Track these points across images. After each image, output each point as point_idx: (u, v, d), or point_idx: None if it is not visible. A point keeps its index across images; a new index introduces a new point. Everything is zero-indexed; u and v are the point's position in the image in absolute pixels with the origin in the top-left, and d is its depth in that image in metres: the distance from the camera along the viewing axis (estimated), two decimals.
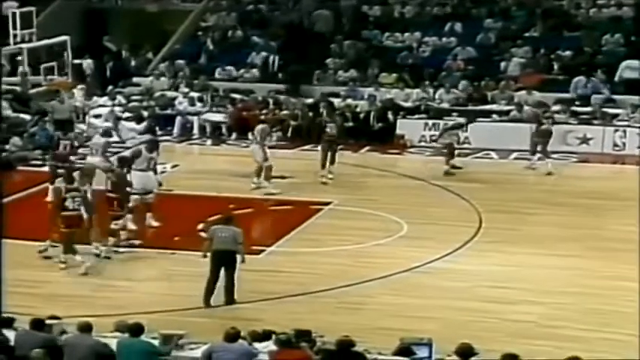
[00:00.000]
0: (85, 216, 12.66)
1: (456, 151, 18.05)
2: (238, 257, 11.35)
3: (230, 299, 11.30)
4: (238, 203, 15.51)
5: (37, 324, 8.97)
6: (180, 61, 23.52)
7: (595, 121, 20.21)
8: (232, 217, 11.65)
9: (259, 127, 16.21)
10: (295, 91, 22.06)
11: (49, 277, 12.43)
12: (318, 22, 24.28)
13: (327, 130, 17.27)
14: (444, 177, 17.15)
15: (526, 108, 20.23)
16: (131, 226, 13.49)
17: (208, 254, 11.50)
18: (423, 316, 11.05)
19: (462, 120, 18.68)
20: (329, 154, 16.98)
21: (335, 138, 17.28)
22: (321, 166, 16.94)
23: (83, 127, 20.27)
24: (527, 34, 23.34)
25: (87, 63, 23.57)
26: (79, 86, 21.90)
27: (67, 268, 12.65)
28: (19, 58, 20.96)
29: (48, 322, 9.11)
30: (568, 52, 22.49)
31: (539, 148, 18.04)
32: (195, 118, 21.02)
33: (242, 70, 23.47)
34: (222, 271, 11.33)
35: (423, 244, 13.67)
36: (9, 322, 9.10)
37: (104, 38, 24.51)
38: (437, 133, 19.97)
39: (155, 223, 14.07)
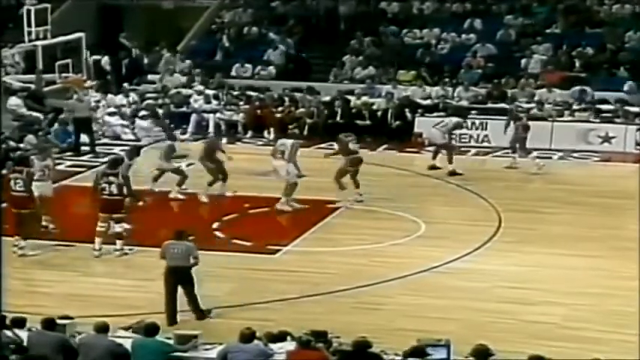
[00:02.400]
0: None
1: (454, 151, 18.02)
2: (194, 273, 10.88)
3: (199, 315, 10.80)
4: (254, 202, 15.57)
5: (49, 324, 9.04)
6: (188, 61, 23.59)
7: (617, 120, 20.13)
8: (183, 232, 11.10)
9: (290, 141, 15.92)
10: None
11: (64, 276, 12.51)
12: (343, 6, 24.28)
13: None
14: (461, 176, 17.09)
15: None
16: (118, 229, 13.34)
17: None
18: (441, 317, 11.06)
19: (459, 119, 18.52)
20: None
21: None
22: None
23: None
24: (548, 31, 23.26)
25: (102, 60, 23.68)
26: (93, 83, 22.04)
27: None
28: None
29: (60, 322, 9.17)
30: (590, 49, 22.40)
31: (517, 145, 17.86)
32: (210, 116, 21.09)
33: (258, 68, 23.51)
34: (180, 289, 10.87)
35: (441, 244, 13.66)
36: (21, 323, 9.17)
37: (120, 35, 24.59)
38: (455, 131, 19.97)
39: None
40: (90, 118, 18.66)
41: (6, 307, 9.81)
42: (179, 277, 10.77)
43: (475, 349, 8.53)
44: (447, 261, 13.04)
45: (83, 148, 19.18)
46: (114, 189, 13.19)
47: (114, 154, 18.62)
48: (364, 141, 19.22)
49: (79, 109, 18.71)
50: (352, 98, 21.48)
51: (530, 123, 18.62)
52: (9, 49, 22.41)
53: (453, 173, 17.24)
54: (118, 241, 13.14)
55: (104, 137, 20.32)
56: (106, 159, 16.16)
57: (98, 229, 13.19)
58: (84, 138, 19.39)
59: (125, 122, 20.73)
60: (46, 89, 21.00)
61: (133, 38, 24.90)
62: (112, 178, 13.28)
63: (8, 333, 8.97)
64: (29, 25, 20.95)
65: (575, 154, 18.99)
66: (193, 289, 10.84)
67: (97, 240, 13.19)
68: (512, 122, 18.33)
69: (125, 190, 13.27)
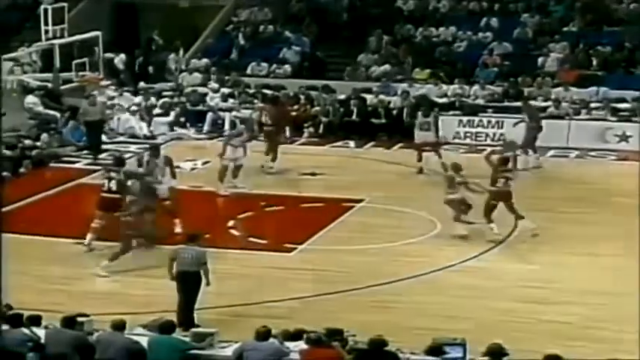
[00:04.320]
0: None
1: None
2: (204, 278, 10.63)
3: (184, 320, 10.27)
4: (269, 200, 15.59)
5: (68, 322, 9.08)
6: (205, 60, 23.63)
7: (634, 118, 20.02)
8: (197, 236, 10.95)
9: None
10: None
11: (81, 274, 12.56)
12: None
13: None
14: (477, 175, 16.92)
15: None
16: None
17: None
18: (456, 315, 11.04)
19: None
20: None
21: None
22: None
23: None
24: (565, 29, 23.15)
25: (119, 58, 23.77)
26: (109, 82, 22.11)
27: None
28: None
29: (78, 319, 9.22)
30: (608, 48, 22.28)
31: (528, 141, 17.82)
32: (226, 114, 21.14)
33: (274, 66, 23.54)
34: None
35: (456, 243, 13.64)
36: (37, 320, 9.20)
37: (153, 32, 24.66)
38: (472, 130, 19.95)
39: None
40: (102, 122, 18.54)
41: (23, 305, 9.86)
42: (187, 282, 10.67)
43: (490, 348, 8.52)
44: (462, 260, 13.01)
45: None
46: (112, 185, 13.08)
47: (131, 152, 18.83)
48: (380, 139, 19.21)
49: (91, 113, 18.50)
50: (368, 96, 21.48)
51: (548, 122, 18.55)
52: (26, 48, 22.53)
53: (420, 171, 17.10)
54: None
55: (120, 135, 20.37)
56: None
57: (93, 225, 13.11)
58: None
59: (141, 120, 20.78)
60: (63, 88, 21.08)
61: (148, 36, 24.97)
62: (112, 174, 13.18)
63: (25, 331, 9.01)
64: (46, 24, 21.04)
65: (592, 153, 18.89)
66: (195, 297, 10.64)
67: (89, 236, 13.11)
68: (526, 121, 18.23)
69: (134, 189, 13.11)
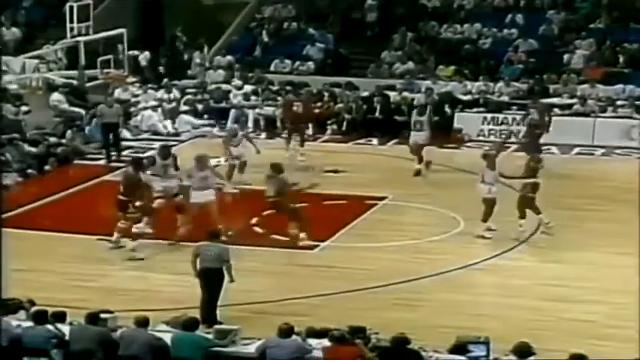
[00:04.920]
0: None
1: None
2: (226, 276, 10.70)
3: (206, 316, 10.30)
4: (294, 198, 15.58)
5: (92, 318, 9.16)
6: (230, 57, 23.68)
7: None
8: (218, 233, 11.09)
9: None
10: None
11: (105, 270, 12.66)
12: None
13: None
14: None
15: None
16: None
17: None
18: (480, 314, 11.01)
19: None
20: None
21: None
22: None
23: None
24: (591, 26, 22.99)
25: (143, 55, 23.88)
26: (133, 79, 22.22)
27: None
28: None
29: (102, 316, 9.29)
30: (635, 45, 22.09)
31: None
32: (249, 112, 21.18)
33: (297, 63, 23.56)
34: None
35: (480, 241, 13.60)
36: (61, 317, 9.28)
37: (177, 30, 24.74)
38: (496, 127, 19.86)
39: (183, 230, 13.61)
40: (118, 124, 18.56)
41: (48, 302, 9.95)
42: (210, 279, 10.70)
43: (516, 347, 8.50)
44: (486, 258, 12.97)
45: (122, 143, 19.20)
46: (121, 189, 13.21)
47: (153, 149, 18.91)
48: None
49: (107, 115, 18.44)
50: (391, 94, 21.44)
51: (573, 119, 18.42)
52: (51, 46, 22.70)
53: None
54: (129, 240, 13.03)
55: (144, 132, 20.47)
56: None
57: (119, 224, 13.28)
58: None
59: (165, 117, 20.87)
60: (88, 85, 21.20)
61: (172, 33, 25.07)
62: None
63: (49, 327, 9.10)
64: (72, 22, 21.13)
65: (617, 151, 18.75)
66: (218, 294, 10.68)
67: (115, 235, 13.29)
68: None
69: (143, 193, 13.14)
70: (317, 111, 20.93)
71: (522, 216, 13.77)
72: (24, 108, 19.81)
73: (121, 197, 13.24)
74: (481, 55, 22.93)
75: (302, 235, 13.50)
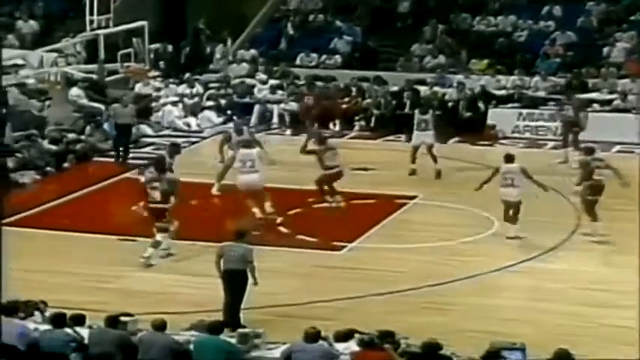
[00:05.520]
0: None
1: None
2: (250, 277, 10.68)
3: (230, 320, 10.30)
4: (319, 196, 15.61)
5: (112, 321, 9.20)
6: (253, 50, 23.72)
7: None
8: (244, 233, 11.04)
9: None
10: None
11: (123, 272, 12.73)
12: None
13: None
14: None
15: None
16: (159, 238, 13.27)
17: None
18: (515, 318, 10.96)
19: None
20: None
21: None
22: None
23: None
24: (632, 18, 22.75)
25: (165, 49, 23.93)
26: (155, 73, 22.32)
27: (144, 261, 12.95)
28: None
29: (122, 319, 9.34)
30: None
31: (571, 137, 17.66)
32: (274, 107, 21.21)
33: (324, 57, 23.57)
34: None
35: (514, 242, 13.53)
36: (80, 320, 9.32)
37: (200, 22, 24.81)
38: (532, 123, 19.73)
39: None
40: (131, 126, 18.56)
41: (67, 304, 10.03)
42: (235, 280, 10.73)
43: (556, 353, 8.44)
44: (520, 260, 12.90)
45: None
46: (157, 196, 13.11)
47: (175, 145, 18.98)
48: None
49: (121, 115, 18.42)
50: (422, 88, 21.38)
51: (613, 115, 18.25)
52: (70, 39, 22.82)
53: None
54: (151, 249, 13.02)
55: (165, 128, 20.56)
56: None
57: (158, 225, 13.21)
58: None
59: (187, 113, 20.92)
60: (107, 79, 21.29)
61: (195, 26, 25.11)
62: (155, 184, 13.20)
63: (68, 331, 9.16)
64: (91, 14, 21.19)
65: None
66: (242, 296, 10.70)
67: (159, 236, 13.20)
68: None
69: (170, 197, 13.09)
70: (344, 106, 20.94)
71: (593, 219, 13.55)
72: (48, 103, 19.94)
73: (156, 205, 13.08)
74: (516, 49, 22.78)
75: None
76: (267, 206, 14.54)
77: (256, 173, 14.59)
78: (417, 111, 17.73)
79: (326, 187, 15.26)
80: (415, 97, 20.93)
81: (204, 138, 20.10)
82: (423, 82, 21.72)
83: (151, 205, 13.16)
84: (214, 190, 15.58)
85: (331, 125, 20.71)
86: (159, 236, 13.02)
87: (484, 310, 11.36)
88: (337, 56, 23.49)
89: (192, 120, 20.85)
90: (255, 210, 14.31)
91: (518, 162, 14.21)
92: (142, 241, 13.47)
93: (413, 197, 15.73)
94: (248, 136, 16.44)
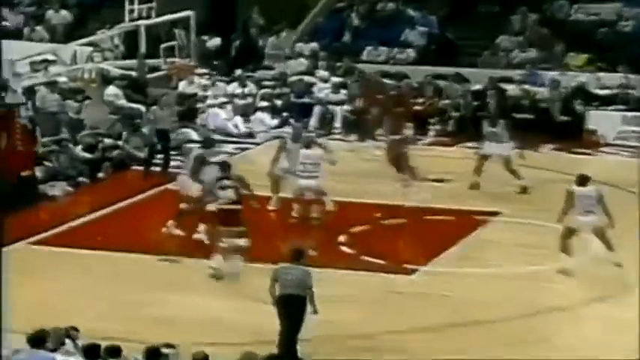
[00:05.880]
0: None
1: None
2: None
3: (284, 351, 10.41)
4: (386, 211, 15.65)
5: (153, 354, 9.28)
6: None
7: None
8: (302, 253, 11.08)
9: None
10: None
11: (163, 296, 12.85)
12: None
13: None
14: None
15: None
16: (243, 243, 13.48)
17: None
18: (612, 354, 10.86)
19: None
20: None
21: None
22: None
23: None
24: None
25: (213, 42, 24.25)
26: (201, 70, 22.58)
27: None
28: None
29: (164, 351, 9.45)
30: None
31: None
32: (337, 108, 21.31)
33: (394, 51, 23.61)
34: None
35: (615, 268, 13.38)
36: (116, 352, 9.41)
37: (253, 10, 25.07)
38: (638, 128, 19.53)
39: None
40: (168, 131, 18.69)
41: (101, 333, 10.18)
42: (289, 307, 10.80)
43: None
44: (622, 288, 12.76)
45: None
46: (231, 194, 13.29)
47: (225, 153, 19.17)
48: (523, 139, 19.00)
49: (160, 120, 18.49)
50: (509, 87, 21.26)
51: None
52: (107, 31, 23.20)
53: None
54: (237, 257, 13.21)
55: (213, 133, 20.78)
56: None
57: (219, 244, 13.26)
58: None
59: (237, 115, 21.11)
60: (148, 77, 21.59)
61: (247, 15, 25.31)
62: (226, 182, 13.43)
63: None
64: (131, 3, 21.51)
65: None
66: (299, 324, 10.76)
67: (217, 257, 13.28)
68: None
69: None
70: (418, 108, 20.96)
71: None
72: (87, 102, 20.20)
73: (231, 206, 13.25)
74: (621, 41, 22.56)
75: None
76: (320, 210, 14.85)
77: (317, 178, 14.83)
78: (484, 122, 17.64)
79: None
80: (501, 97, 20.87)
81: (257, 144, 20.29)
82: (509, 80, 21.62)
83: (224, 207, 13.24)
84: (271, 206, 15.72)
85: (403, 129, 20.73)
86: (241, 241, 13.04)
87: (580, 344, 11.30)
88: (409, 50, 23.53)
89: (241, 122, 21.04)
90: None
91: (622, 174, 14.06)
92: (183, 261, 13.65)
93: (496, 213, 15.68)
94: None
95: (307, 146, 15.52)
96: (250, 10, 25.31)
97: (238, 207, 13.28)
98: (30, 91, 19.73)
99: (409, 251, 14.20)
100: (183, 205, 14.63)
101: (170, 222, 14.51)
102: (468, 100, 21.17)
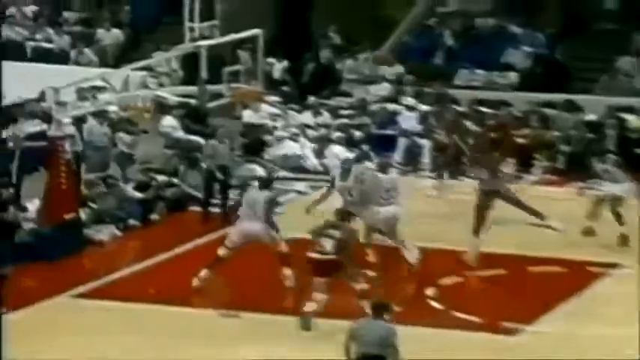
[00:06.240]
0: None
1: None
2: None
3: None
4: (484, 261, 15.51)
5: None
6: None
7: None
8: (386, 307, 11.04)
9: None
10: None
11: (224, 355, 12.84)
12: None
13: None
14: None
15: None
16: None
17: None
18: None
19: None
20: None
21: None
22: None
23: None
24: None
25: (282, 64, 24.42)
26: (272, 97, 22.73)
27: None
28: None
29: None
30: None
31: None
32: (425, 142, 21.24)
33: (494, 74, 23.52)
34: None
35: None
36: None
37: (329, 28, 25.24)
38: None
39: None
40: (227, 167, 18.69)
41: None
42: None
43: None
44: None
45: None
46: (328, 246, 13.43)
47: (297, 192, 19.22)
48: None
49: (220, 156, 18.47)
50: (630, 117, 21.01)
51: None
52: (163, 53, 23.53)
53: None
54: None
55: (283, 169, 20.90)
56: None
57: (315, 297, 13.34)
58: None
59: (309, 148, 21.17)
60: (210, 105, 21.81)
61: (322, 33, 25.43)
62: (332, 232, 13.52)
63: None
64: (191, 20, 21.74)
65: None
66: None
67: (311, 306, 13.37)
68: None
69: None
70: (521, 141, 20.82)
71: None
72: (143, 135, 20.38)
73: (321, 256, 13.41)
74: None
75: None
76: (411, 256, 14.92)
77: (394, 205, 15.04)
78: (594, 159, 17.51)
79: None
80: (620, 129, 20.64)
81: (332, 181, 20.23)
82: (630, 110, 21.39)
83: (316, 257, 13.41)
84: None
85: (504, 166, 20.58)
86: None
87: None
88: (512, 73, 23.47)
89: (315, 157, 21.05)
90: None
91: None
92: (246, 317, 13.65)
93: (614, 265, 15.51)
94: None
95: (382, 170, 15.71)
96: (326, 27, 25.46)
97: (334, 258, 13.40)
98: (76, 123, 19.99)
99: (510, 307, 14.04)
100: (220, 252, 14.73)
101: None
102: (582, 133, 20.95)
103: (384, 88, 23.47)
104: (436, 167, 20.28)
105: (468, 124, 21.51)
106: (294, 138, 21.43)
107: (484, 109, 21.99)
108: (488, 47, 24.32)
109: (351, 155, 20.82)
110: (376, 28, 25.42)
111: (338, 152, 20.98)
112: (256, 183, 15.93)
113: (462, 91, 23.18)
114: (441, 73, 23.85)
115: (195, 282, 14.68)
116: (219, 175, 18.32)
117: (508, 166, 20.13)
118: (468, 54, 24.29)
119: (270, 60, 24.00)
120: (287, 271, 14.61)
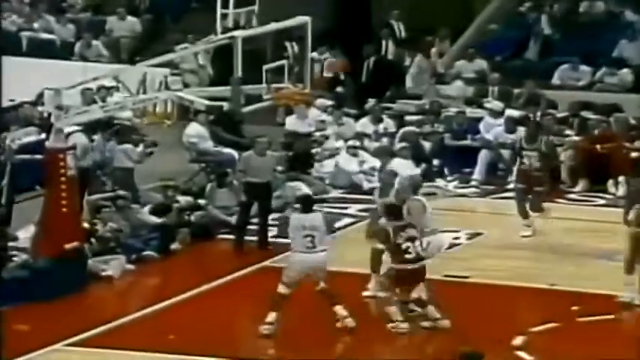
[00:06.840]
0: None
1: None
2: None
3: None
4: (586, 303, 15.54)
5: None
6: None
7: None
8: (473, 356, 11.22)
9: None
10: None
11: None
12: None
13: None
14: None
15: None
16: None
17: None
18: None
19: None
20: None
21: None
22: None
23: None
24: None
25: (335, 60, 24.59)
26: (321, 101, 22.86)
27: None
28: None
29: None
30: None
31: None
32: (509, 154, 21.18)
33: (602, 71, 23.53)
34: None
35: None
36: None
37: (393, 16, 25.30)
38: None
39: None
40: (268, 185, 18.65)
41: None
42: None
43: None
44: None
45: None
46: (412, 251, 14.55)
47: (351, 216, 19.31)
48: None
49: (256, 171, 18.56)
50: None
51: None
52: (190, 45, 23.64)
53: None
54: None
55: (335, 187, 21.00)
56: None
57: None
58: None
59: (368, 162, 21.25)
60: (245, 110, 21.89)
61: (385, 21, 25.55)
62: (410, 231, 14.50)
63: None
64: (224, 6, 21.84)
65: None
66: None
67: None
68: None
69: None
70: (635, 154, 20.76)
71: None
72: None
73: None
74: None
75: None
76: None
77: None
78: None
79: None
80: None
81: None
82: None
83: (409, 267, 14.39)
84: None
85: (610, 183, 20.55)
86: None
87: None
88: (625, 71, 23.45)
89: (374, 173, 21.08)
90: None
91: None
92: None
93: None
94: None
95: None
96: (389, 14, 25.51)
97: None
98: (82, 131, 20.12)
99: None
100: (282, 290, 14.90)
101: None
102: None
103: (461, 89, 23.51)
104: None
105: (569, 133, 21.68)
106: (350, 150, 21.55)
107: (589, 115, 22.02)
108: (595, 38, 24.28)
109: (417, 171, 20.81)
110: (453, 15, 25.49)
111: (404, 166, 20.67)
112: (297, 205, 16.03)
113: (561, 92, 23.17)
114: (534, 70, 23.85)
115: (263, 328, 14.81)
116: (256, 195, 18.49)
117: (619, 185, 20.19)
118: (570, 46, 24.29)
119: (321, 55, 24.05)
120: (341, 311, 14.79)
